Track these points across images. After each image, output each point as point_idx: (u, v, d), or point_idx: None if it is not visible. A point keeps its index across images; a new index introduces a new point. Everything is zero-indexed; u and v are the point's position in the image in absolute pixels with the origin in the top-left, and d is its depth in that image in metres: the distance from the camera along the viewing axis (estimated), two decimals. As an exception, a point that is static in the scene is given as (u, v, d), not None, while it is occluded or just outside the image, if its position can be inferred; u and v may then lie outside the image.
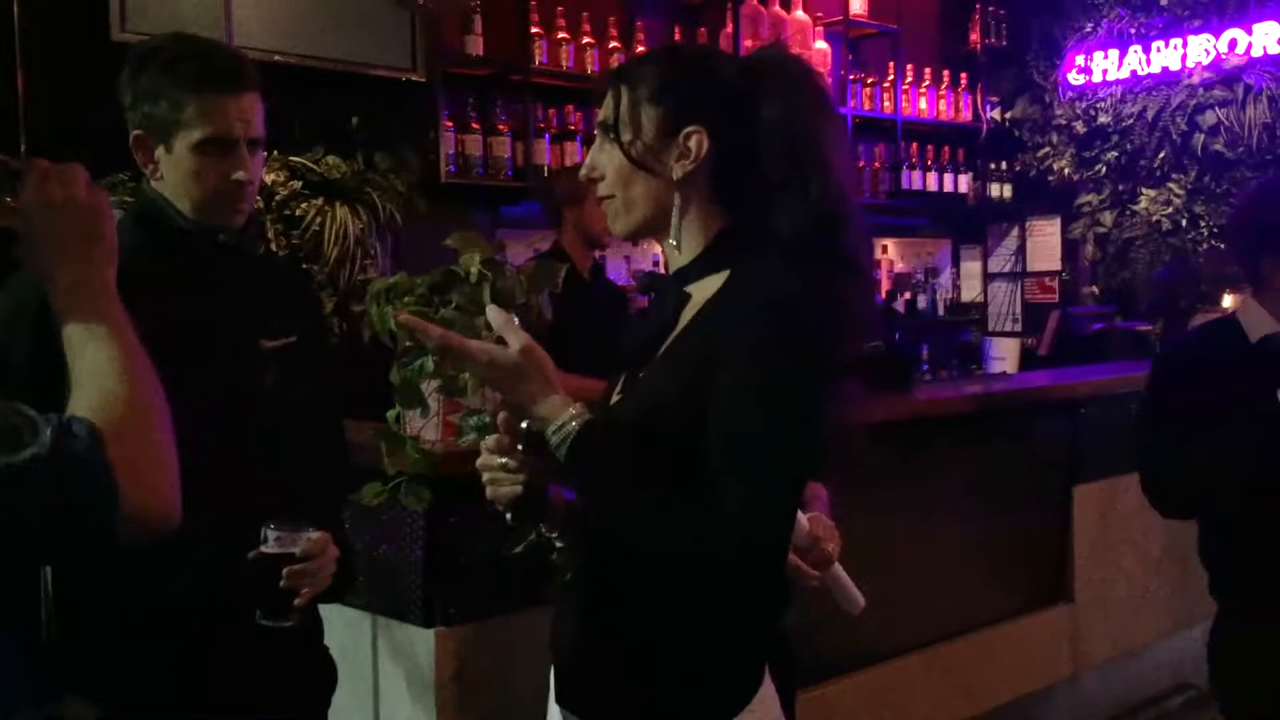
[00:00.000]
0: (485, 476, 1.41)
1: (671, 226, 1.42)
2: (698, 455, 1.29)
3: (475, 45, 4.53)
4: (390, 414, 2.09)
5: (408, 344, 1.83)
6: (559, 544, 1.42)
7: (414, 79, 4.25)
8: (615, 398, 1.47)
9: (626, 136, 1.41)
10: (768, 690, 1.37)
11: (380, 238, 3.83)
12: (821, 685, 2.98)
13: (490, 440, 1.39)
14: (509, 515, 1.42)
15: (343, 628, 1.96)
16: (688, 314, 1.40)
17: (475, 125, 4.53)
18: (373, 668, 2.34)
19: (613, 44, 4.89)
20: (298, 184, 3.61)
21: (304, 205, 3.59)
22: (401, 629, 2.29)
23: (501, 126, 4.59)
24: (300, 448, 1.68)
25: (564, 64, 4.77)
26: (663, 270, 1.55)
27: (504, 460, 1.39)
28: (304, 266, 3.46)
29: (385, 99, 4.18)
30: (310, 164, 3.66)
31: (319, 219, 3.59)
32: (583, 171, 1.49)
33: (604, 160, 1.45)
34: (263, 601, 1.55)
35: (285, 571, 1.53)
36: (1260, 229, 2.15)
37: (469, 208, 4.49)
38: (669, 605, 1.34)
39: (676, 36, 5.09)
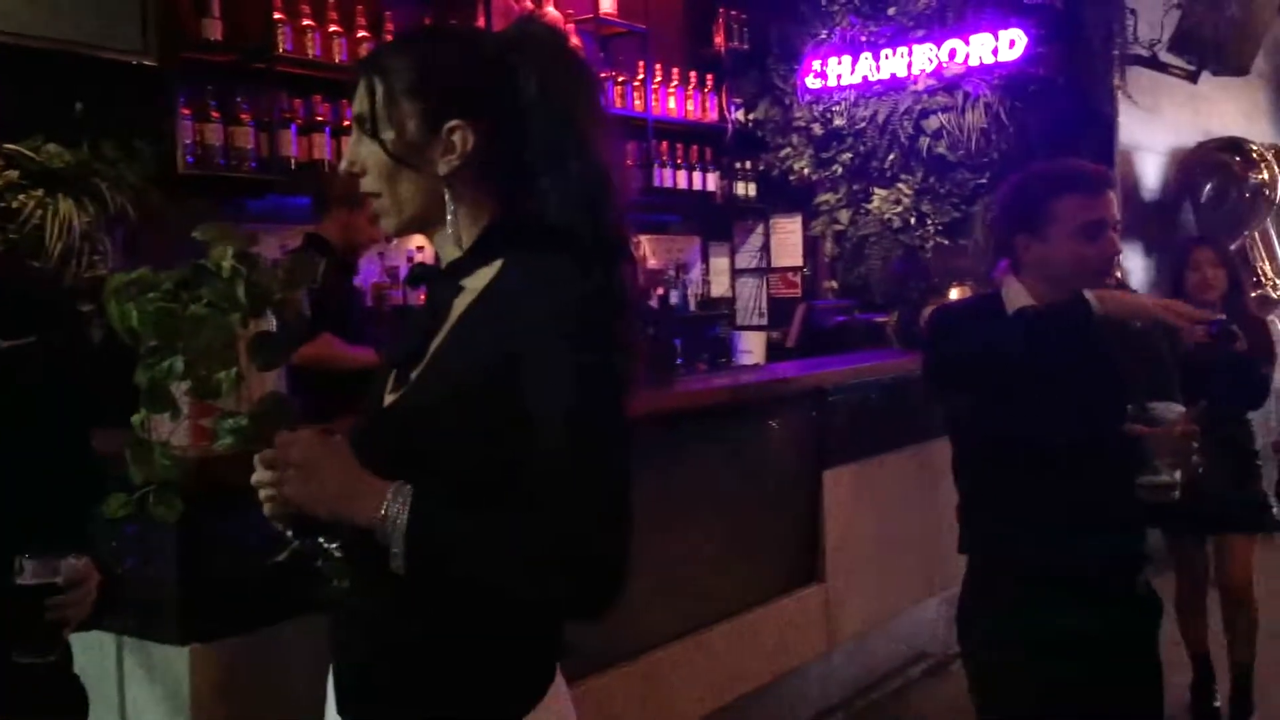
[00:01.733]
0: (262, 493, 1.32)
1: (448, 222, 1.38)
2: (489, 451, 1.25)
3: (214, 29, 4.28)
4: (135, 419, 1.94)
5: (153, 343, 1.69)
6: (337, 553, 1.34)
7: (146, 63, 3.99)
8: (389, 398, 1.41)
9: (387, 134, 1.35)
10: (560, 684, 1.36)
11: (110, 232, 3.56)
12: (586, 679, 3.00)
13: (269, 453, 1.30)
14: (289, 531, 1.34)
15: (81, 653, 1.80)
16: (460, 306, 1.36)
17: (215, 114, 4.29)
18: (119, 693, 2.17)
19: (361, 33, 4.75)
20: (14, 174, 3.31)
21: (22, 197, 3.28)
22: (154, 649, 2.14)
23: (244, 116, 4.37)
24: (45, 459, 1.54)
25: (310, 52, 4.58)
26: (432, 263, 1.49)
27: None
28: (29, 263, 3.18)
29: (114, 84, 3.90)
30: (28, 152, 3.35)
31: (39, 211, 3.30)
32: (343, 166, 1.42)
33: (364, 155, 1.38)
34: (23, 638, 1.41)
35: (48, 603, 1.40)
36: (1016, 212, 2.33)
37: (210, 201, 4.25)
38: (468, 606, 1.29)
39: (426, 28, 4.99)
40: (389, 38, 4.61)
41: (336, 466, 1.26)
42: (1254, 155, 6.26)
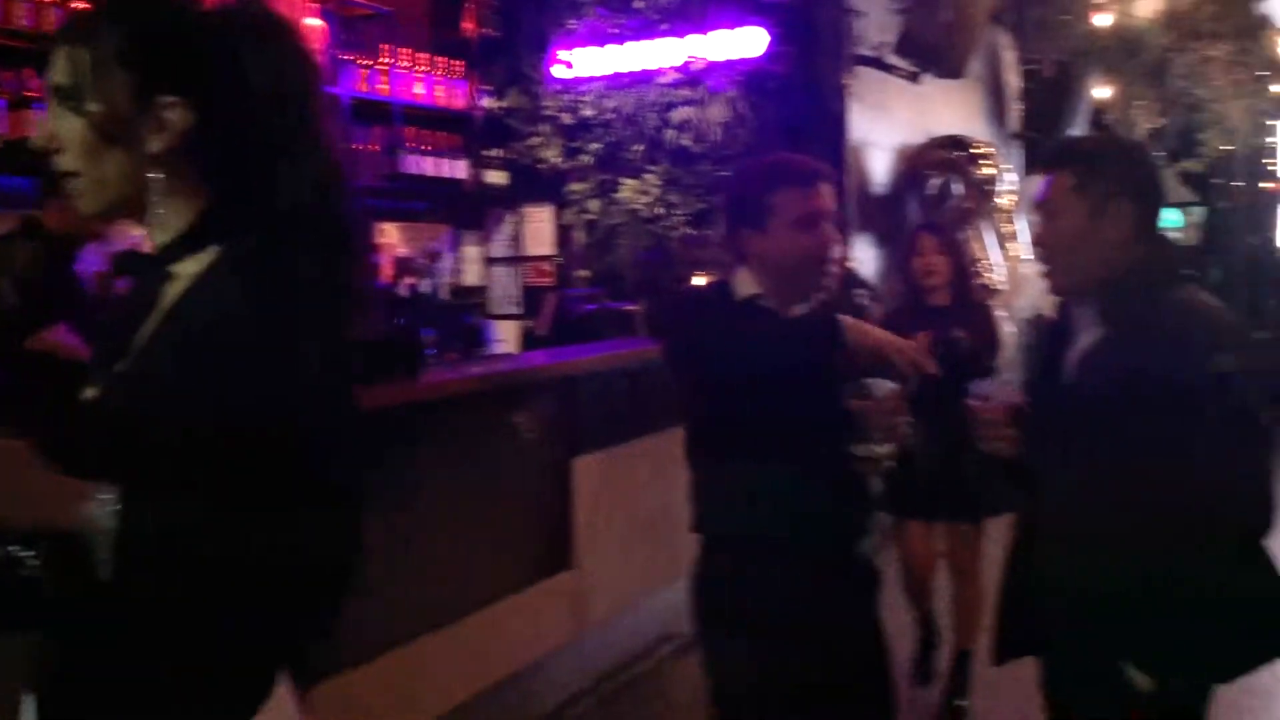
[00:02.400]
0: None
1: (150, 205, 1.30)
2: (197, 446, 1.18)
3: (-94, -6, 3.91)
4: None
5: None
6: (33, 562, 1.23)
7: None
8: (91, 392, 1.31)
9: (92, 107, 1.26)
10: (282, 690, 1.30)
11: None
12: (332, 678, 2.92)
13: None
14: None
15: None
16: (169, 295, 1.28)
17: (-92, 85, 3.92)
18: None
19: (78, 4, 4.43)
20: None
21: None
22: None
23: (-55, 89, 4.01)
24: None
25: (21, 23, 4.25)
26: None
27: None
28: None
29: None
30: None
31: None
32: (38, 141, 1.32)
33: (63, 130, 1.28)
34: None
35: None
36: (737, 206, 2.39)
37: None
38: (180, 614, 1.21)
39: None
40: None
41: (19, 470, 1.16)
42: (976, 151, 6.69)
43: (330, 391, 1.25)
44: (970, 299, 4.15)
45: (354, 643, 3.01)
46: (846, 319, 2.42)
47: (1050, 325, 2.29)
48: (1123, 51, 6.64)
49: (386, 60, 5.88)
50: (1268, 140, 10.60)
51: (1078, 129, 8.42)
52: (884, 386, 2.29)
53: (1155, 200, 2.13)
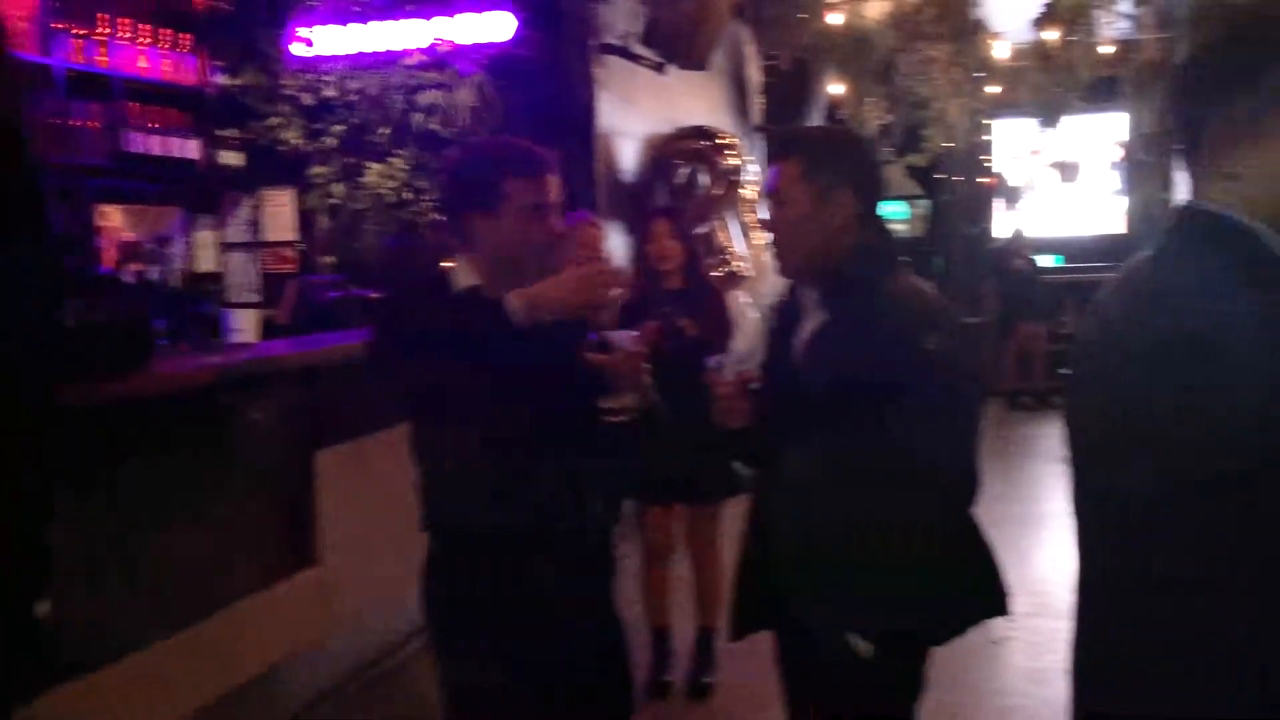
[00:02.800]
0: None
1: None
2: None
3: None
4: None
5: None
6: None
7: None
8: None
9: None
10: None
11: None
12: (67, 684, 2.71)
13: None
14: None
15: None
16: None
17: None
18: None
19: None
20: None
21: None
22: None
23: None
24: None
25: None
26: None
27: None
28: None
29: None
30: None
31: None
32: None
33: None
34: None
35: None
36: (464, 190, 2.31)
37: None
38: None
39: None
40: None
41: None
42: (722, 142, 6.86)
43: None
44: (703, 284, 4.25)
45: (85, 649, 2.80)
46: (519, 295, 2.38)
47: (780, 308, 2.37)
48: (854, 50, 6.99)
49: (105, 30, 5.47)
50: (984, 137, 11.42)
51: (814, 123, 8.80)
52: (624, 337, 2.28)
53: (875, 190, 2.23)
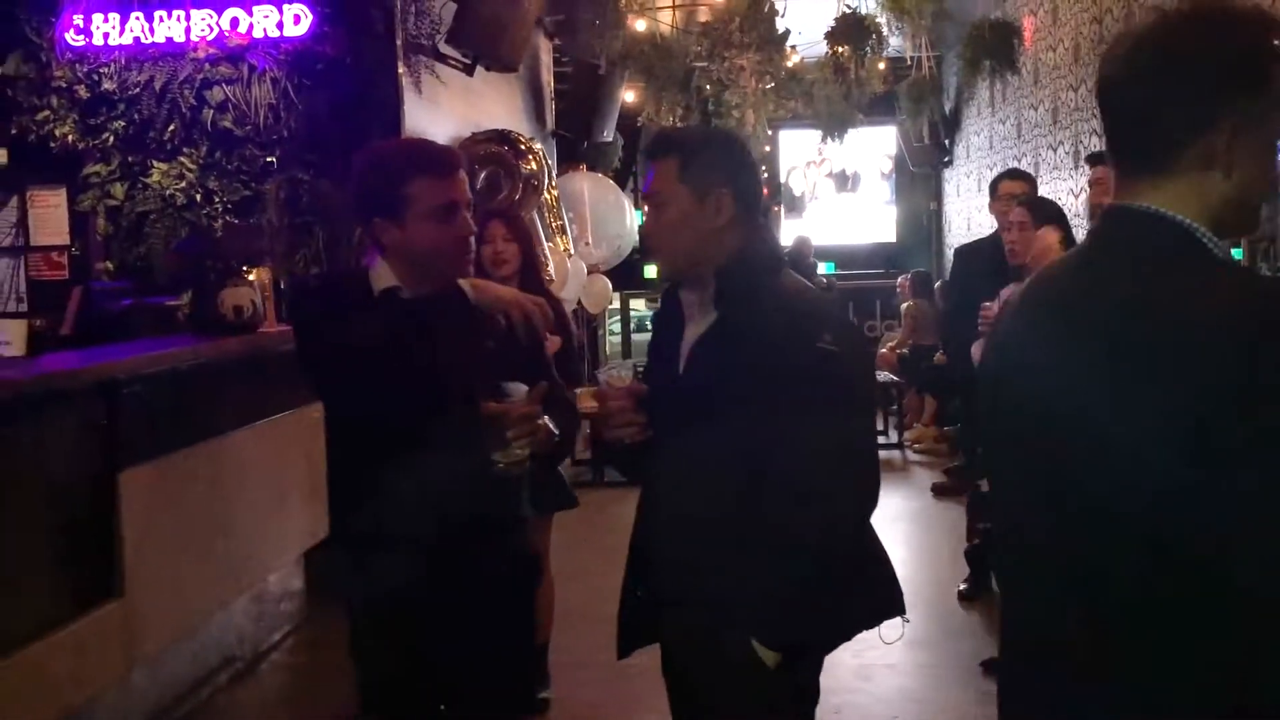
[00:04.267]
0: None
1: None
2: None
3: None
4: None
5: None
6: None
7: None
8: None
9: None
10: None
11: None
12: None
13: None
14: None
15: None
16: None
17: None
18: None
19: None
20: None
21: None
22: None
23: None
24: None
25: None
26: None
27: None
28: None
29: None
30: None
31: None
32: None
33: None
34: None
35: None
36: (370, 196, 2.25)
37: None
38: None
39: None
40: None
41: None
42: (523, 146, 6.78)
43: None
44: (542, 289, 4.18)
45: None
46: (469, 280, 2.33)
47: (661, 313, 2.32)
48: (657, 56, 7.04)
49: None
50: (766, 148, 11.77)
51: (609, 129, 8.85)
52: (520, 389, 2.22)
53: (755, 191, 2.21)
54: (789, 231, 13.27)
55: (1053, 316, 1.39)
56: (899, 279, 10.98)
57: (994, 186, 5.11)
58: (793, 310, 2.09)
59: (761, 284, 2.11)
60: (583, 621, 4.51)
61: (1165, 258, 1.32)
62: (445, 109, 6.48)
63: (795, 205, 13.65)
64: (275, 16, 5.56)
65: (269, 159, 5.58)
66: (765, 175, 13.63)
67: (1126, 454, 1.25)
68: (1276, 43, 1.32)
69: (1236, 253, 5.87)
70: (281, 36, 5.56)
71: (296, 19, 5.55)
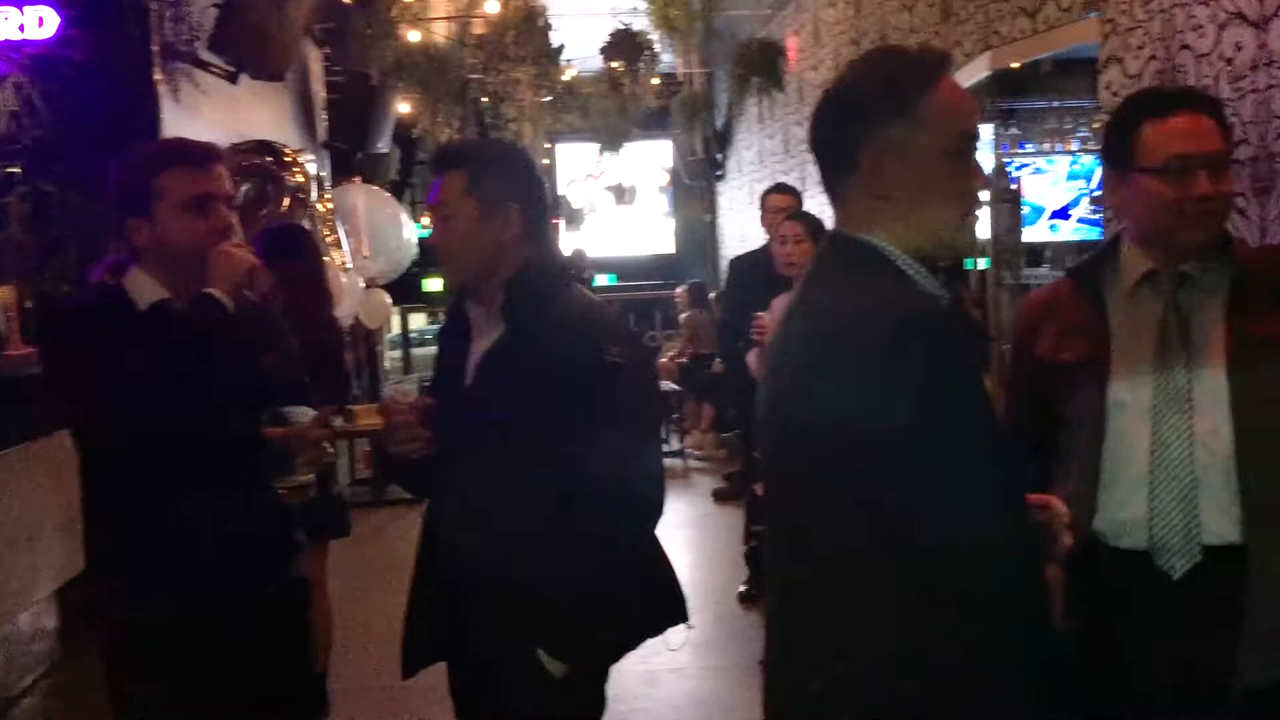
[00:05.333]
0: None
1: None
2: None
3: None
4: None
5: None
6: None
7: None
8: None
9: None
10: None
11: None
12: None
13: None
14: None
15: None
16: None
17: None
18: None
19: None
20: None
21: None
22: None
23: None
24: None
25: None
26: None
27: None
28: None
29: None
30: None
31: None
32: None
33: None
34: None
35: None
36: (122, 195, 2.15)
37: None
38: None
39: None
40: None
41: None
42: (288, 158, 6.55)
43: None
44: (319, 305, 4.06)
45: None
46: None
47: (447, 327, 2.29)
48: (431, 68, 6.95)
49: None
50: (545, 161, 11.81)
51: (384, 141, 8.68)
52: (305, 414, 2.14)
53: (542, 203, 2.22)
54: (569, 244, 13.36)
55: (787, 324, 1.54)
56: (677, 290, 11.21)
57: (763, 200, 5.30)
58: (581, 323, 2.10)
59: (550, 296, 2.12)
60: (364, 645, 4.40)
61: (856, 273, 1.46)
62: (207, 118, 6.19)
63: (574, 218, 13.75)
64: (16, 18, 5.19)
65: (11, 169, 5.19)
66: (546, 187, 13.71)
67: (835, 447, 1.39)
68: (924, 75, 1.47)
69: (974, 263, 6.28)
70: (23, 39, 5.19)
71: (40, 21, 5.19)
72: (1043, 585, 1.45)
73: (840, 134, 1.49)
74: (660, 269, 13.80)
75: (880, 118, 1.46)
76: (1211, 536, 1.88)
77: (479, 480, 2.06)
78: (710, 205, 13.67)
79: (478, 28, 6.34)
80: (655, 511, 2.11)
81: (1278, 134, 3.28)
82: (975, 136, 1.53)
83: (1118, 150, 2.04)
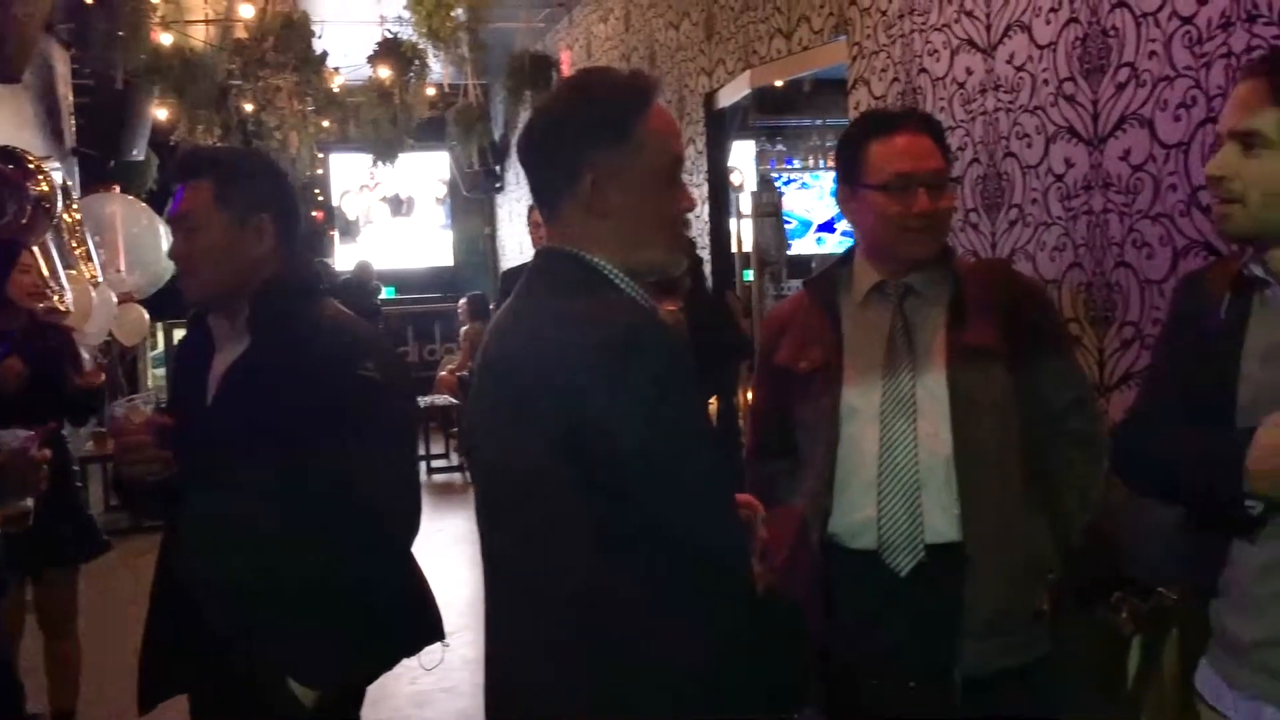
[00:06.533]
0: None
1: None
2: None
3: None
4: None
5: None
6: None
7: None
8: None
9: None
10: None
11: None
12: None
13: None
14: None
15: None
16: None
17: None
18: None
19: None
20: None
21: None
22: None
23: None
24: None
25: None
26: None
27: None
28: None
29: None
30: None
31: None
32: None
33: None
34: None
35: None
36: None
37: None
38: None
39: None
40: None
41: None
42: (32, 165, 6.14)
43: None
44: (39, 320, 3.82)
45: None
46: None
47: (187, 341, 2.19)
48: (186, 73, 6.63)
49: None
50: (319, 171, 11.48)
51: (140, 148, 8.24)
52: (16, 437, 1.99)
53: (294, 216, 2.15)
54: (346, 256, 13.04)
55: (501, 336, 1.59)
56: (459, 302, 11.10)
57: (529, 214, 5.32)
58: (332, 337, 2.05)
59: (298, 310, 2.06)
60: (117, 679, 4.16)
61: (573, 288, 1.51)
62: (-66, 122, 5.74)
63: (350, 229, 13.42)
64: None
65: None
66: (321, 199, 13.32)
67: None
68: (638, 101, 1.53)
69: (746, 274, 6.48)
70: None
71: None
72: (749, 578, 1.51)
73: (560, 155, 1.53)
74: (440, 282, 13.64)
75: (601, 142, 1.50)
76: (934, 535, 1.99)
77: (223, 502, 1.97)
78: (490, 218, 13.60)
79: (240, 32, 6.10)
80: (409, 528, 2.07)
81: (1005, 153, 3.51)
82: (682, 160, 1.61)
83: (848, 167, 2.14)
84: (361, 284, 11.44)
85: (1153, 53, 2.87)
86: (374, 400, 1.98)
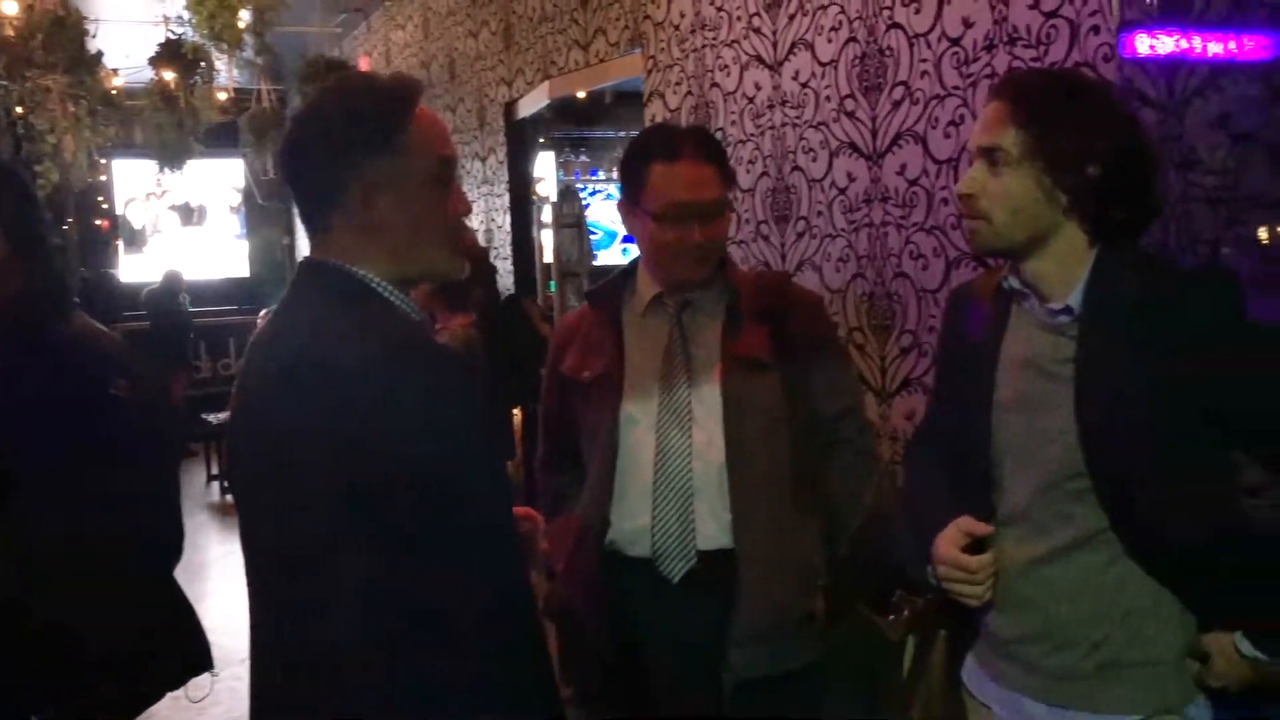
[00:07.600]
0: None
1: None
2: None
3: None
4: None
5: None
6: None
7: None
8: None
9: None
10: None
11: None
12: None
13: None
14: None
15: None
16: None
17: None
18: None
19: None
20: None
21: None
22: None
23: None
24: None
25: None
26: None
27: None
28: None
29: None
30: None
31: None
32: None
33: None
34: None
35: None
36: None
37: None
38: None
39: None
40: None
41: None
42: None
43: None
44: None
45: None
46: None
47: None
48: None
49: None
50: (102, 177, 10.89)
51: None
52: None
53: (31, 226, 2.01)
54: (132, 267, 12.41)
55: (261, 352, 1.50)
56: (260, 314, 10.71)
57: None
58: (78, 354, 1.92)
59: (44, 327, 1.93)
60: None
61: (339, 302, 1.44)
62: None
63: (136, 239, 12.77)
64: None
65: None
66: (105, 206, 12.62)
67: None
68: (402, 105, 1.48)
69: (551, 286, 6.47)
70: None
71: None
72: (529, 592, 1.48)
73: (324, 168, 1.46)
74: (237, 293, 13.14)
75: (368, 152, 1.44)
76: (706, 541, 2.02)
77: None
78: (288, 227, 13.18)
79: (4, 30, 5.70)
80: (171, 554, 1.97)
81: (793, 167, 3.61)
82: (453, 162, 1.55)
83: (629, 185, 2.15)
84: (171, 295, 10.91)
85: (925, 72, 3.00)
86: (123, 418, 1.87)
